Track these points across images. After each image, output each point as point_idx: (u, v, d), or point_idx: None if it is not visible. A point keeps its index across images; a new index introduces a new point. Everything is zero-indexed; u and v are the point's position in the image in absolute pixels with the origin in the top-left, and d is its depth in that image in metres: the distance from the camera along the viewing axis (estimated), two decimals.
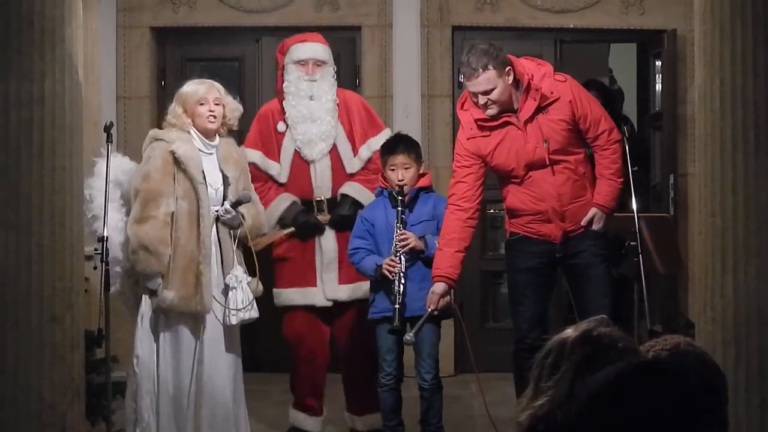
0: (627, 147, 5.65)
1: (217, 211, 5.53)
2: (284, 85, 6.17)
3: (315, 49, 6.19)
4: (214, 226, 5.53)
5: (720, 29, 4.89)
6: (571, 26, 8.03)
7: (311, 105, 6.09)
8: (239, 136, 6.19)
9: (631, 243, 5.49)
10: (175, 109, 5.65)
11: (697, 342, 4.92)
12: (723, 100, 4.89)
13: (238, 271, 5.54)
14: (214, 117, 5.61)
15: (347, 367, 6.25)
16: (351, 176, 6.18)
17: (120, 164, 5.63)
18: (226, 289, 5.51)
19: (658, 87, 8.39)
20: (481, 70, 5.38)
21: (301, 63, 6.15)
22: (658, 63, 8.33)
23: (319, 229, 6.12)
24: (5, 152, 4.91)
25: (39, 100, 4.94)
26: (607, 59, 9.55)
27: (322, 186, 6.14)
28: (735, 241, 4.88)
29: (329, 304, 6.12)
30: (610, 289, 5.64)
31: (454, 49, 7.98)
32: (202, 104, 5.61)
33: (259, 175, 6.09)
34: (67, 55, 5.01)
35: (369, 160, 6.19)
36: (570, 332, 2.22)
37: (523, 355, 5.41)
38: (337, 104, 6.18)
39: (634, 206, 5.56)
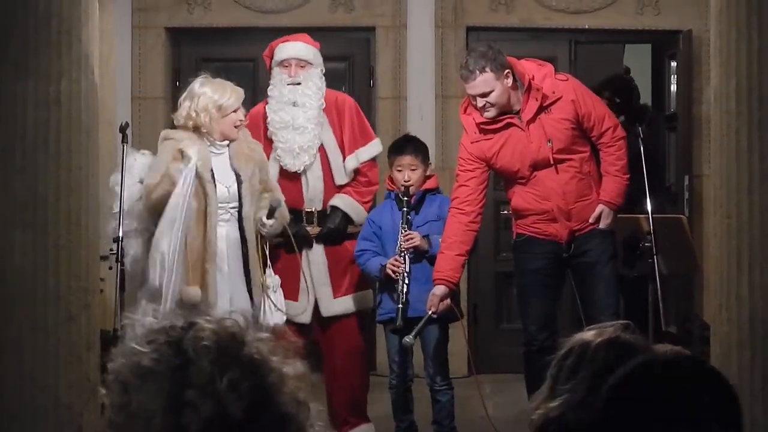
0: (642, 147, 5.66)
1: (262, 226, 5.54)
2: (269, 88, 5.94)
3: (297, 47, 5.90)
4: (238, 226, 5.51)
5: (736, 29, 4.88)
6: (586, 27, 8.01)
7: (294, 111, 5.79)
8: None
9: (646, 244, 5.49)
10: (190, 111, 5.51)
11: (713, 345, 4.92)
12: (738, 100, 4.88)
13: (271, 275, 5.58)
14: (240, 122, 5.57)
15: (338, 379, 5.89)
16: (340, 188, 5.93)
17: (148, 163, 5.62)
18: (266, 291, 5.54)
19: (673, 88, 8.37)
20: (478, 72, 5.40)
21: (284, 64, 5.88)
22: (673, 64, 8.32)
23: (307, 242, 5.88)
24: (22, 152, 4.93)
25: (56, 100, 4.94)
26: (622, 60, 9.53)
27: (314, 198, 5.89)
28: (750, 243, 4.87)
29: (308, 321, 5.88)
30: (617, 289, 5.64)
31: (468, 50, 7.96)
32: (234, 111, 5.53)
33: None
34: (83, 55, 5.02)
35: (356, 172, 5.93)
36: (593, 335, 2.19)
37: (533, 356, 5.43)
38: (324, 109, 5.87)
39: (649, 207, 5.56)
